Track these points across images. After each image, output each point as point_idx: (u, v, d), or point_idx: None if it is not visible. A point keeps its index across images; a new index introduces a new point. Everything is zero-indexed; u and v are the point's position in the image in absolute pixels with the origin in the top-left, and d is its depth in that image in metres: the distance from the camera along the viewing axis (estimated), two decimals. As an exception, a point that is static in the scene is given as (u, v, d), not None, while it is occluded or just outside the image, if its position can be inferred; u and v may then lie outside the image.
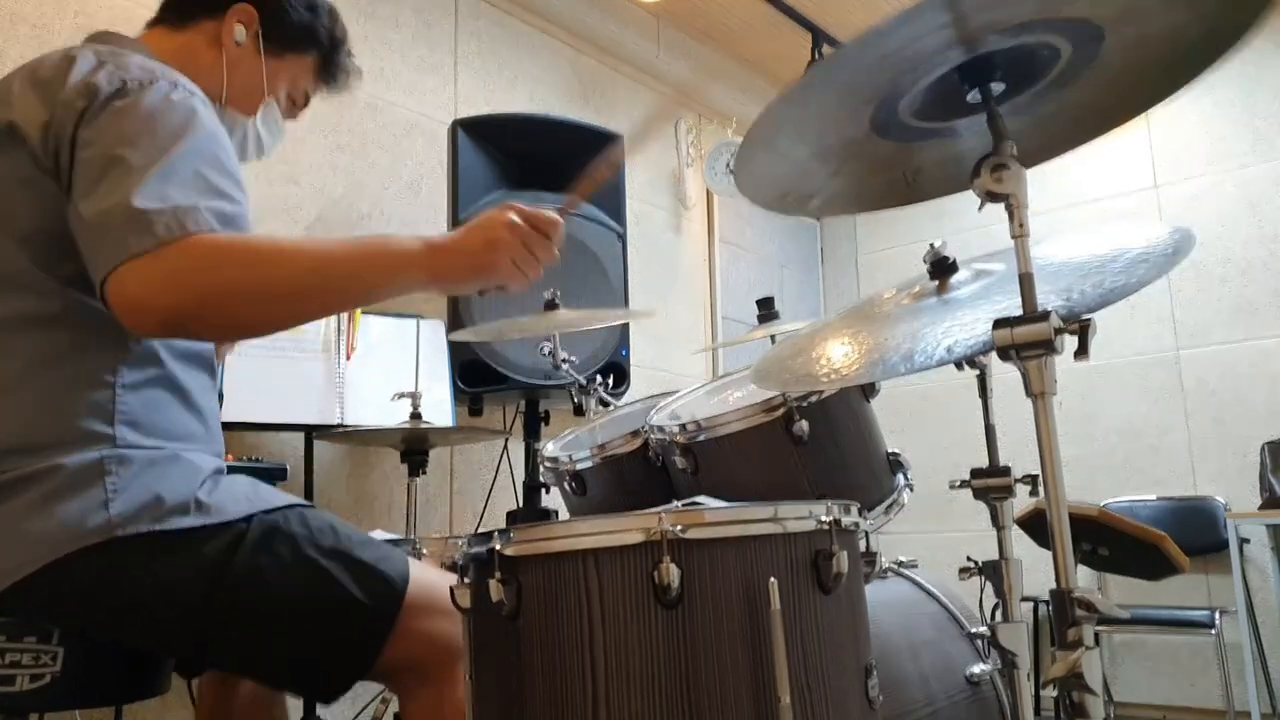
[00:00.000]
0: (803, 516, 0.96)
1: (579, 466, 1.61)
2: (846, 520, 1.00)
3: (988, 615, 1.59)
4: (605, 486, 1.61)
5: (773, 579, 0.90)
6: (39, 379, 1.04)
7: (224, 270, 0.99)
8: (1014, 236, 0.99)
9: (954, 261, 1.27)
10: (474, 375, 2.64)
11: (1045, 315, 0.93)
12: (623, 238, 2.97)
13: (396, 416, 2.10)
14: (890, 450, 1.54)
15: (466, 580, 1.01)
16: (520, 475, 3.01)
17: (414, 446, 2.16)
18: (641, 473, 1.55)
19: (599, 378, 2.04)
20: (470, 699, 1.01)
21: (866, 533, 1.11)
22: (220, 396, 1.31)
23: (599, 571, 0.91)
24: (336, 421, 2.29)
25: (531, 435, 2.87)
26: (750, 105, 4.31)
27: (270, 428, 2.31)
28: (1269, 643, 3.51)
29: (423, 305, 2.94)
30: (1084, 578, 3.49)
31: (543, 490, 2.66)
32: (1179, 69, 1.01)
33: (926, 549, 4.30)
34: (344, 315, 2.40)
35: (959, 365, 1.14)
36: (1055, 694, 0.96)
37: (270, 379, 2.23)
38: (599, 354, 2.79)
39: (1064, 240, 1.25)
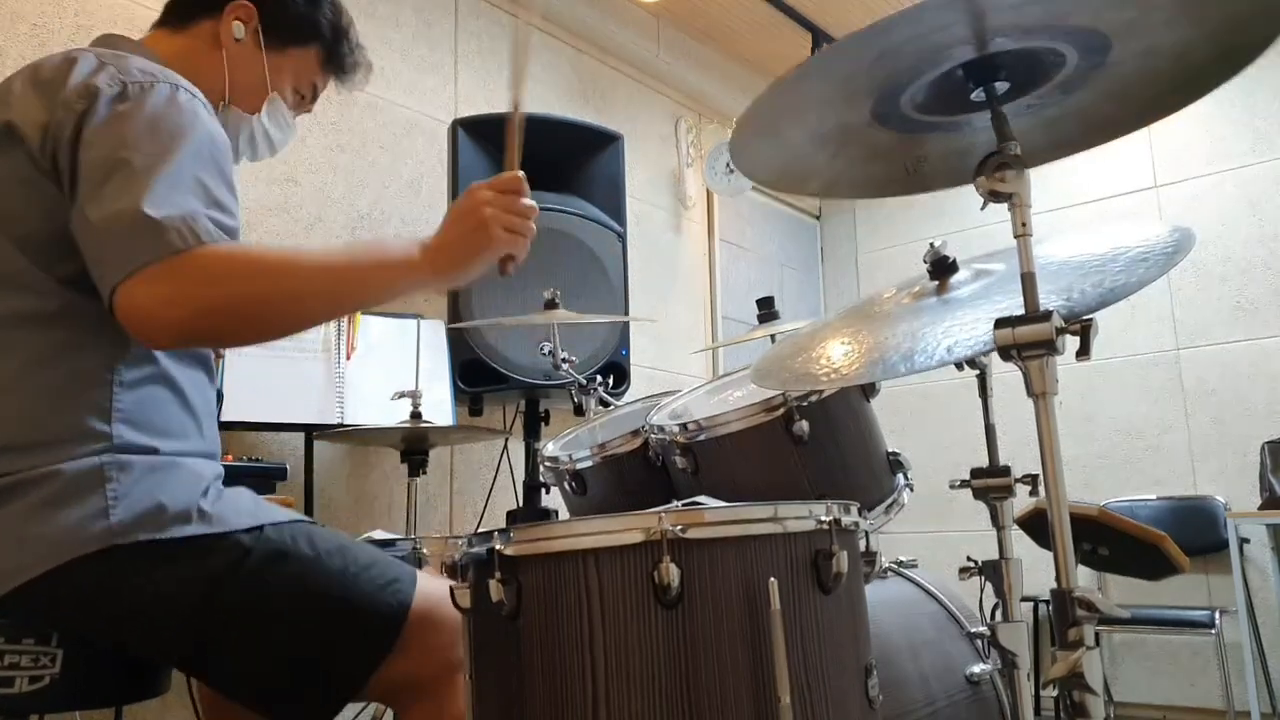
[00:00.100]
0: (803, 516, 0.96)
1: (579, 466, 1.61)
2: (846, 520, 1.00)
3: (988, 615, 1.59)
4: (605, 486, 1.61)
5: (773, 579, 0.90)
6: (36, 377, 1.03)
7: (231, 283, 1.00)
8: (1017, 236, 0.99)
9: (954, 261, 1.27)
10: (474, 375, 2.64)
11: (1047, 315, 0.93)
12: (623, 238, 2.96)
13: (396, 416, 2.09)
14: (890, 450, 1.54)
15: (466, 580, 1.01)
16: (520, 475, 3.01)
17: (414, 446, 2.16)
18: (642, 472, 1.55)
19: (599, 377, 2.04)
20: (470, 699, 1.01)
21: (866, 533, 1.11)
22: (220, 396, 1.31)
23: (599, 571, 0.91)
24: (336, 421, 2.28)
25: (531, 435, 2.86)
26: (750, 105, 4.30)
27: (270, 427, 2.31)
28: (1269, 643, 3.52)
29: (423, 305, 2.94)
30: (1084, 578, 3.48)
31: (543, 490, 2.66)
32: (1184, 85, 1.01)
33: (926, 549, 4.31)
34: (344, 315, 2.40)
35: (959, 365, 1.14)
36: (1055, 694, 0.96)
37: (270, 379, 2.22)
38: (599, 354, 2.79)
39: (1064, 240, 1.25)
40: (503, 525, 1.20)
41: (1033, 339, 0.94)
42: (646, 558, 0.90)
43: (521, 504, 2.86)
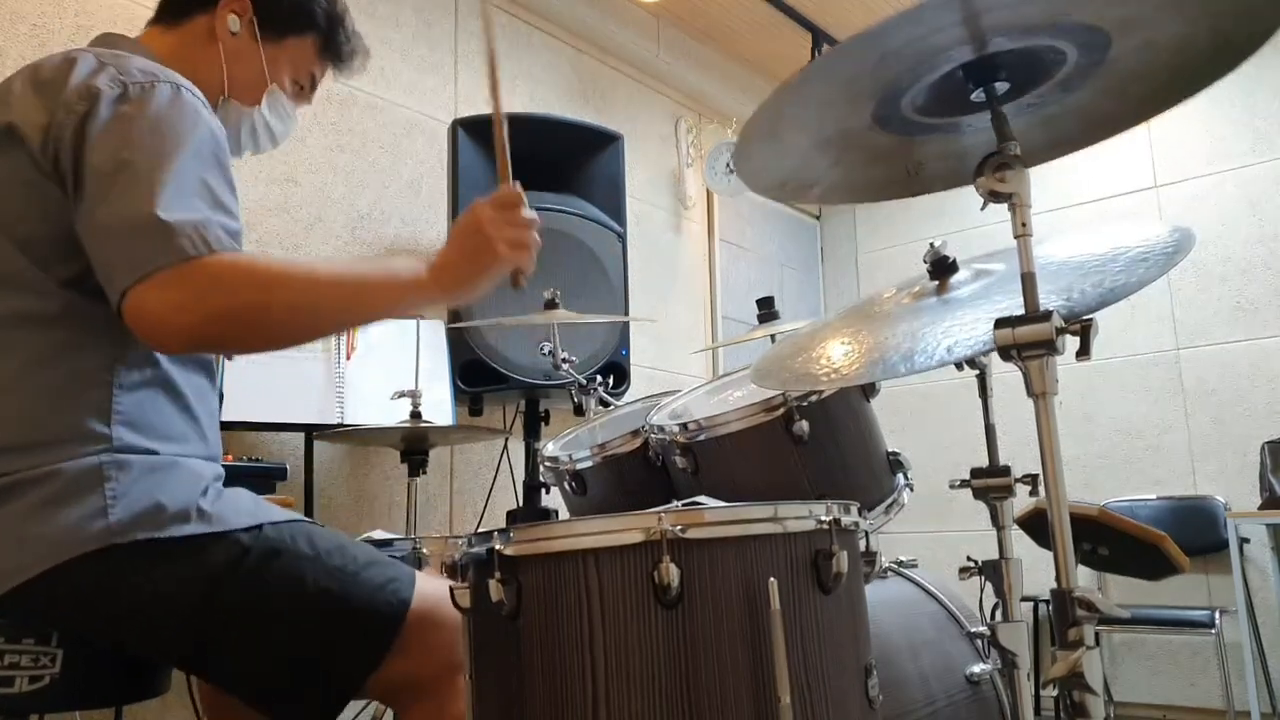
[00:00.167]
0: (803, 516, 0.96)
1: (579, 466, 1.61)
2: (846, 520, 1.00)
3: (988, 615, 1.59)
4: (605, 486, 1.61)
5: (773, 579, 0.90)
6: (36, 378, 1.03)
7: (243, 292, 1.01)
8: (1017, 236, 0.99)
9: (954, 261, 1.27)
10: (474, 375, 2.64)
11: (1047, 315, 0.93)
12: (623, 238, 2.96)
13: (396, 416, 2.09)
14: (890, 450, 1.54)
15: (466, 580, 1.01)
16: (520, 475, 3.01)
17: (414, 446, 2.16)
18: (642, 472, 1.55)
19: (599, 377, 2.04)
20: (470, 699, 1.01)
21: (866, 532, 1.11)
22: (220, 396, 1.31)
23: (599, 571, 0.91)
24: (336, 421, 2.28)
25: (531, 435, 2.86)
26: (750, 105, 4.28)
27: (270, 427, 2.31)
28: (1269, 643, 3.52)
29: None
30: (1084, 577, 3.49)
31: (543, 490, 2.66)
32: (1185, 79, 1.00)
33: (926, 549, 4.31)
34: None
35: (959, 365, 1.14)
36: (1055, 694, 0.96)
37: (270, 379, 2.23)
38: (599, 354, 2.79)
39: (1064, 240, 1.25)
40: (503, 525, 1.20)
41: (1032, 339, 0.94)
42: (646, 558, 0.90)
43: (521, 504, 2.86)
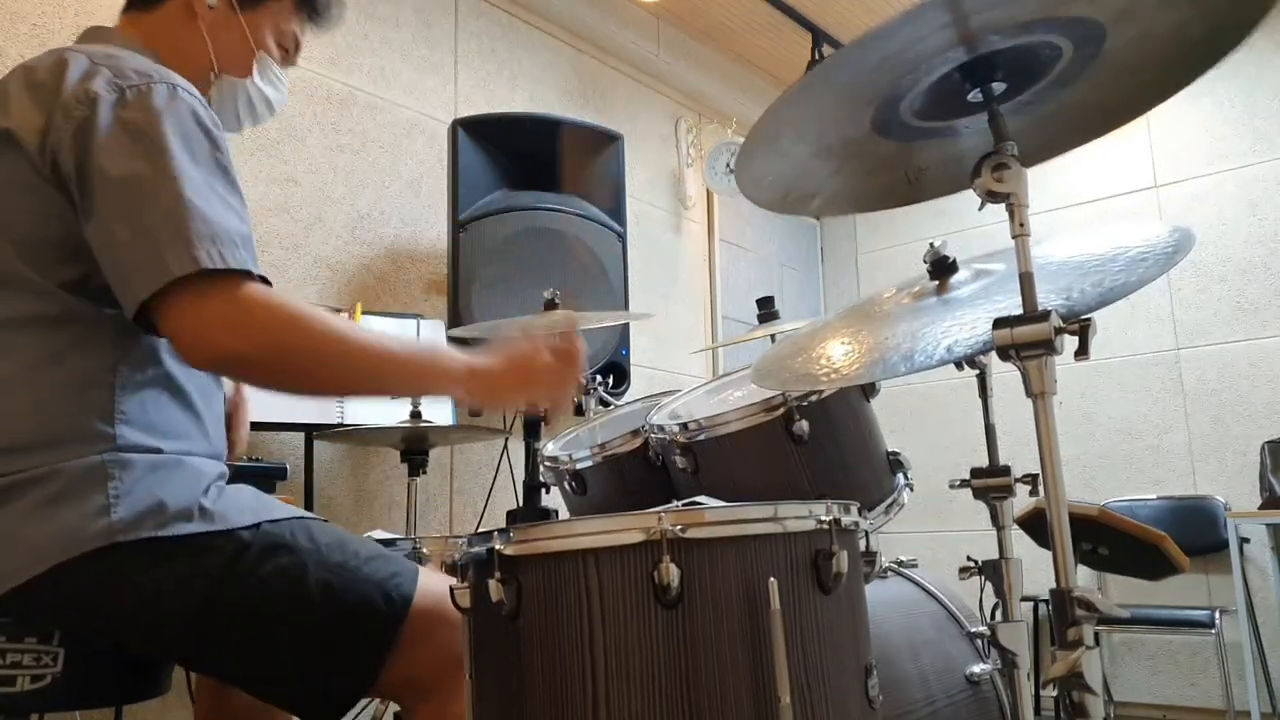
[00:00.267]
0: (803, 516, 0.96)
1: (579, 466, 1.61)
2: (846, 520, 1.00)
3: (988, 615, 1.59)
4: (605, 486, 1.61)
5: (773, 579, 0.90)
6: (38, 379, 1.04)
7: (293, 335, 1.02)
8: (1014, 236, 0.99)
9: (954, 261, 1.27)
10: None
11: (1045, 315, 0.93)
12: (623, 238, 2.96)
13: (396, 416, 2.10)
14: (890, 450, 1.54)
15: (466, 580, 1.01)
16: (520, 475, 3.01)
17: (414, 446, 2.17)
18: (642, 472, 1.55)
19: (599, 377, 2.04)
20: (470, 699, 1.01)
21: (866, 532, 1.11)
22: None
23: (599, 571, 0.91)
24: (336, 421, 2.29)
25: (531, 435, 2.86)
26: (750, 105, 4.31)
27: (270, 427, 2.31)
28: (1269, 643, 3.52)
29: (422, 305, 2.95)
30: (1084, 577, 3.50)
31: (543, 490, 2.65)
32: (1181, 68, 1.00)
33: (926, 549, 4.31)
34: (344, 315, 2.40)
35: (959, 365, 1.14)
36: (1055, 693, 0.96)
37: (270, 379, 2.22)
38: (599, 354, 2.79)
39: (1064, 240, 1.25)
40: (503, 525, 1.20)
41: (1031, 339, 0.94)
42: (646, 558, 0.90)
43: (521, 504, 2.86)
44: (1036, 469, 1.01)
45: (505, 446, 3.06)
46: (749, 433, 1.40)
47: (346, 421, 2.29)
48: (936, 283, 1.27)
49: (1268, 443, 3.51)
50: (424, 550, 1.85)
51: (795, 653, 0.91)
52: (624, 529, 0.91)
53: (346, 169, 2.85)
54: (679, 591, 0.89)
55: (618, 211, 2.97)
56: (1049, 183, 4.18)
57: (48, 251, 1.04)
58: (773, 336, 2.39)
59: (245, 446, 1.53)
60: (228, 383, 1.39)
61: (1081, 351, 0.93)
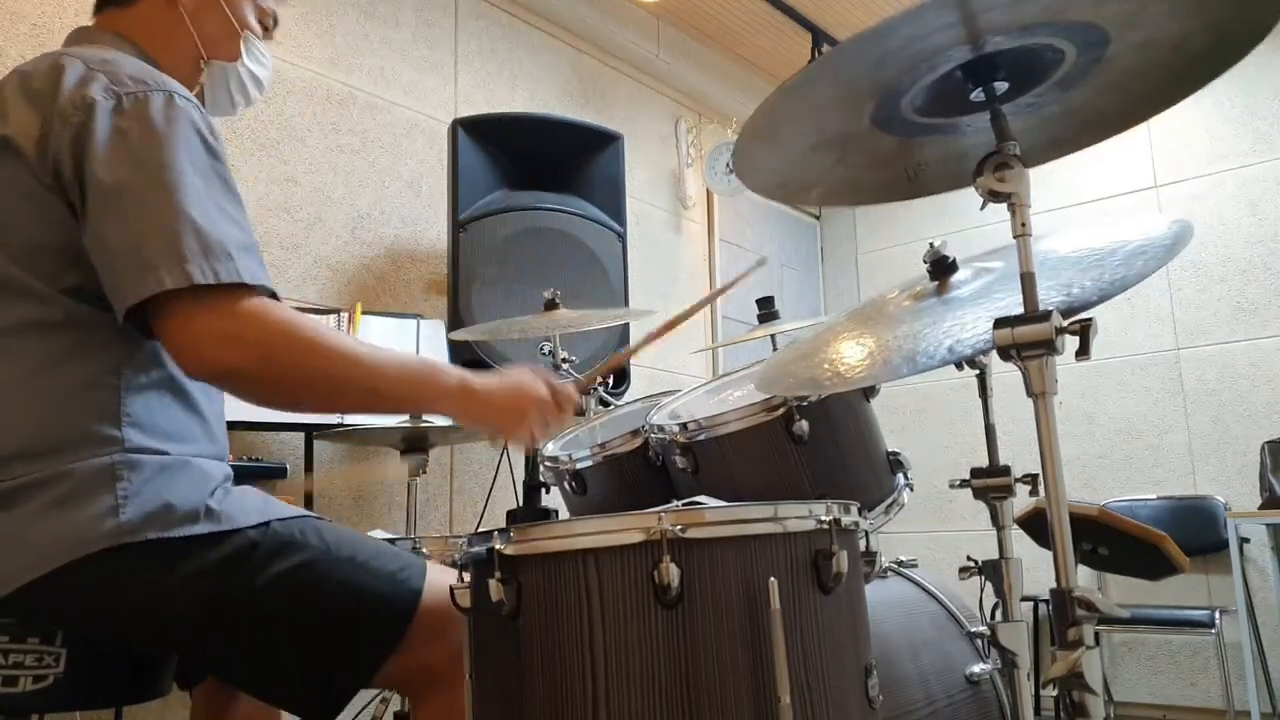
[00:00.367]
0: (803, 516, 0.96)
1: (579, 466, 1.61)
2: (846, 520, 1.00)
3: (988, 615, 1.59)
4: (605, 486, 1.61)
5: (773, 579, 0.90)
6: (43, 383, 1.04)
7: (292, 352, 1.02)
8: (1016, 236, 0.99)
9: (954, 261, 1.27)
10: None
11: (1046, 315, 0.93)
12: (623, 238, 2.96)
13: (396, 416, 2.09)
14: (890, 450, 1.54)
15: (466, 580, 1.01)
16: (520, 475, 3.00)
17: (414, 445, 2.16)
18: (641, 472, 1.55)
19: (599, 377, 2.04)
20: (470, 699, 1.01)
21: (866, 532, 1.11)
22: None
23: (599, 571, 0.91)
24: (336, 421, 2.29)
25: (531, 435, 2.86)
26: (750, 105, 4.29)
27: (270, 427, 2.31)
28: (1269, 643, 3.52)
29: (423, 305, 2.95)
30: (1084, 577, 3.50)
31: (543, 490, 2.65)
32: (1183, 77, 1.00)
33: (926, 549, 4.31)
34: (344, 315, 2.40)
35: (959, 365, 1.14)
36: (1055, 693, 0.96)
37: (270, 379, 2.22)
38: (599, 354, 2.79)
39: (1064, 235, 1.25)
40: (503, 525, 1.20)
41: (1032, 339, 0.94)
42: (646, 558, 0.90)
43: (521, 504, 2.86)
44: (1036, 469, 1.01)
45: (505, 446, 3.06)
46: (749, 433, 1.40)
47: (346, 421, 2.29)
48: (937, 283, 1.27)
49: (1268, 443, 3.51)
50: (424, 550, 1.85)
51: (795, 653, 0.91)
52: (624, 529, 0.91)
53: (346, 169, 2.84)
54: (679, 591, 0.89)
55: (618, 211, 2.97)
56: (1050, 182, 4.18)
57: (49, 258, 1.04)
58: (773, 336, 2.39)
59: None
60: None
61: (1082, 351, 0.93)
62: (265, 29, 1.36)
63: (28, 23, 2.23)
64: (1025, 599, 3.13)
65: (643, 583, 0.89)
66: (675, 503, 1.12)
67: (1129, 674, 3.90)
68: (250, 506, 1.10)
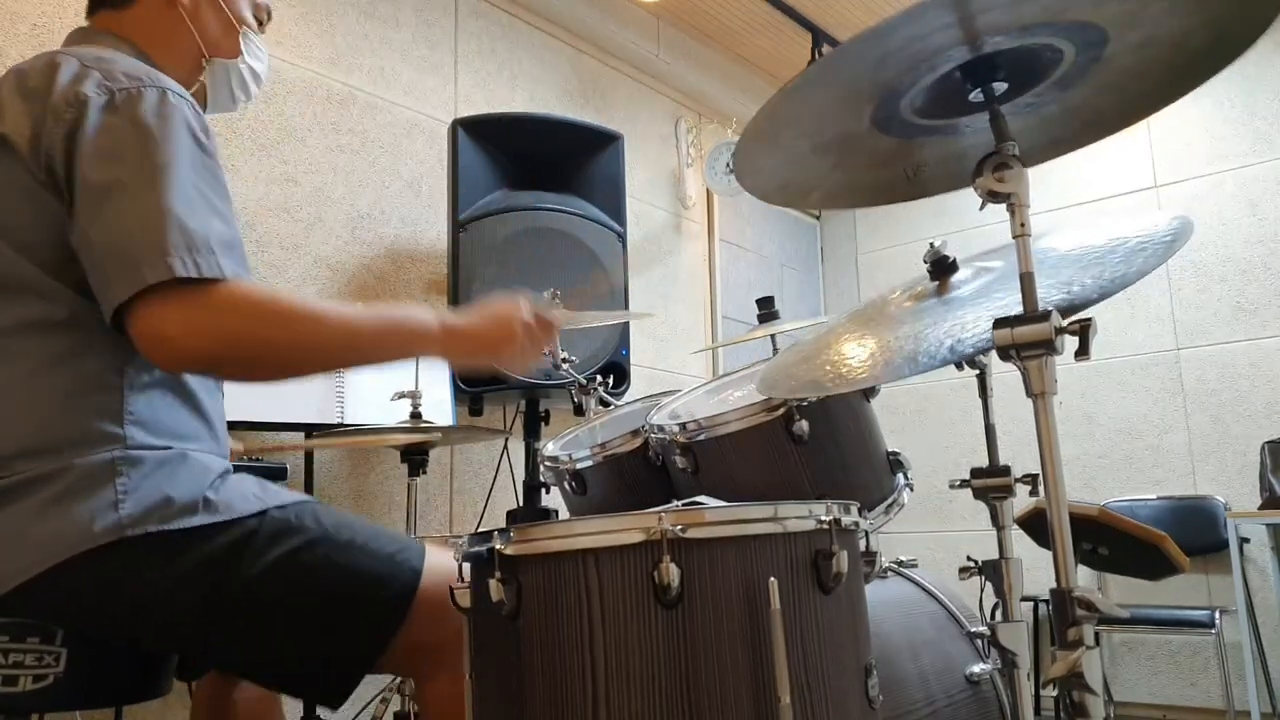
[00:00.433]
0: (803, 516, 0.96)
1: (579, 466, 1.61)
2: (846, 520, 1.00)
3: (988, 615, 1.59)
4: (605, 486, 1.61)
5: (773, 579, 0.90)
6: (47, 382, 1.04)
7: (254, 324, 1.02)
8: (1015, 236, 0.99)
9: (954, 261, 1.27)
10: (474, 375, 2.64)
11: (1046, 315, 0.93)
12: (623, 238, 2.96)
13: (396, 416, 2.09)
14: (890, 450, 1.54)
15: (466, 580, 1.01)
16: (520, 475, 3.01)
17: (414, 446, 2.16)
18: (642, 472, 1.55)
19: (599, 377, 2.04)
20: (470, 699, 1.01)
21: (866, 532, 1.11)
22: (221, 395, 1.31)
23: (599, 571, 0.91)
24: (336, 421, 2.28)
25: (531, 435, 2.87)
26: (750, 105, 4.31)
27: (270, 427, 2.31)
28: (1269, 643, 3.52)
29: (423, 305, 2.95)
30: (1084, 577, 3.50)
31: (543, 490, 2.66)
32: (1182, 75, 1.01)
33: (926, 549, 4.31)
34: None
35: (959, 365, 1.14)
36: (1055, 693, 0.96)
37: (270, 379, 2.22)
38: (599, 354, 2.79)
39: (1063, 233, 1.25)
40: (503, 525, 1.20)
41: (1031, 339, 0.94)
42: (646, 558, 0.90)
43: (521, 504, 2.87)
44: (1036, 469, 1.01)
45: (505, 446, 3.06)
46: (749, 433, 1.40)
47: (346, 421, 2.29)
48: (937, 283, 1.27)
49: (1268, 443, 3.51)
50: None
51: (795, 653, 0.91)
52: (624, 529, 0.91)
53: (346, 169, 2.85)
54: (679, 591, 0.89)
55: (618, 211, 2.97)
56: (1050, 182, 4.19)
57: (51, 255, 1.04)
58: (773, 336, 2.39)
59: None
60: None
61: (1082, 351, 0.93)
62: (260, 23, 1.36)
63: (28, 23, 2.23)
64: (1025, 599, 3.13)
65: (643, 583, 0.90)
66: (675, 503, 1.12)
67: (1129, 674, 3.90)
68: (248, 494, 1.10)
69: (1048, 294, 1.03)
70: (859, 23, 3.99)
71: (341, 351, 1.10)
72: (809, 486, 1.39)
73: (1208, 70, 0.99)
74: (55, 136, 1.02)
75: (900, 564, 1.64)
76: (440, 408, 2.43)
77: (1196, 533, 3.65)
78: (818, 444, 1.40)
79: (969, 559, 1.23)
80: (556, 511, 2.53)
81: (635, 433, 1.56)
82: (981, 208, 1.01)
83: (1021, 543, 1.35)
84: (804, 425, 1.37)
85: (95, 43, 1.18)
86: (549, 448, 1.74)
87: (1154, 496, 3.88)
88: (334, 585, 1.08)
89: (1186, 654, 3.79)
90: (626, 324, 2.88)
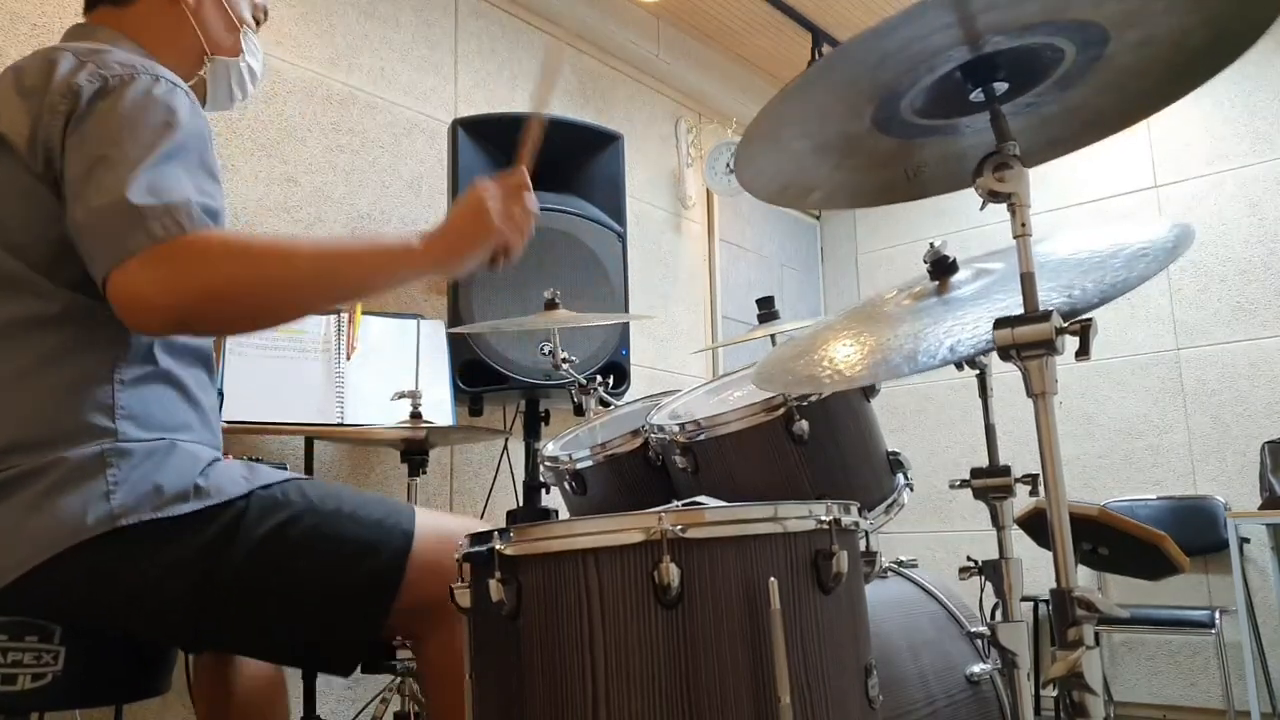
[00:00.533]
0: (803, 516, 0.96)
1: (579, 466, 1.61)
2: (846, 520, 1.00)
3: (988, 615, 1.59)
4: (605, 486, 1.61)
5: (773, 579, 0.90)
6: (41, 378, 1.04)
7: (223, 266, 1.00)
8: (1016, 236, 0.99)
9: (954, 261, 1.27)
10: (474, 375, 2.64)
11: (1046, 315, 0.93)
12: (623, 238, 2.96)
13: (396, 416, 2.09)
14: (890, 450, 1.54)
15: (466, 580, 1.01)
16: (520, 475, 3.01)
17: (414, 446, 2.16)
18: (641, 472, 1.55)
19: (599, 377, 2.04)
20: (470, 699, 1.01)
21: (866, 532, 1.11)
22: (220, 395, 1.32)
23: (599, 571, 0.91)
24: (336, 421, 2.28)
25: (531, 435, 2.86)
26: (750, 105, 4.31)
27: (270, 428, 2.31)
28: (1269, 643, 3.52)
29: (423, 305, 2.95)
30: (1084, 577, 3.50)
31: (543, 490, 2.66)
32: (1183, 74, 1.01)
33: (926, 549, 4.31)
34: (344, 315, 2.40)
35: (959, 365, 1.14)
36: (1055, 693, 0.96)
37: (270, 379, 2.23)
38: (599, 354, 2.79)
39: (1064, 237, 1.25)
40: (503, 525, 1.20)
41: (1032, 339, 0.94)
42: (646, 558, 0.90)
43: (521, 504, 2.86)
44: (1036, 469, 1.01)
45: (505, 446, 3.06)
46: (749, 433, 1.40)
47: (346, 421, 2.29)
48: (937, 283, 1.27)
49: (1268, 443, 3.51)
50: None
51: (795, 653, 0.91)
52: (624, 529, 0.91)
53: (346, 169, 2.85)
54: (679, 591, 0.89)
55: (618, 211, 2.97)
56: (1050, 182, 4.19)
57: (46, 252, 1.05)
58: (773, 336, 2.39)
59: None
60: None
61: (1082, 351, 0.93)
62: (257, 22, 1.37)
63: (28, 23, 2.23)
64: (1025, 599, 3.13)
65: (643, 583, 0.89)
66: (675, 503, 1.12)
67: (1129, 674, 3.90)
68: (236, 476, 1.11)
69: (1048, 298, 1.03)
70: (859, 23, 3.99)
71: (322, 282, 1.06)
72: (809, 486, 1.39)
73: (1208, 70, 0.99)
74: (53, 129, 1.03)
75: (900, 564, 1.64)
76: (440, 407, 2.43)
77: (1196, 533, 3.65)
78: (818, 444, 1.39)
79: (969, 559, 1.23)
80: (556, 511, 2.53)
81: (635, 433, 1.56)
82: (982, 208, 1.01)
83: (1021, 543, 1.35)
84: (804, 425, 1.37)
85: (93, 38, 1.18)
86: (549, 448, 1.74)
87: (1154, 496, 3.88)
88: (324, 557, 1.08)
89: (1186, 654, 3.78)
90: (626, 324, 2.88)
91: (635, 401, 1.95)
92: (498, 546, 0.94)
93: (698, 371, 4.00)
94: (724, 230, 4.36)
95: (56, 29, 2.27)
